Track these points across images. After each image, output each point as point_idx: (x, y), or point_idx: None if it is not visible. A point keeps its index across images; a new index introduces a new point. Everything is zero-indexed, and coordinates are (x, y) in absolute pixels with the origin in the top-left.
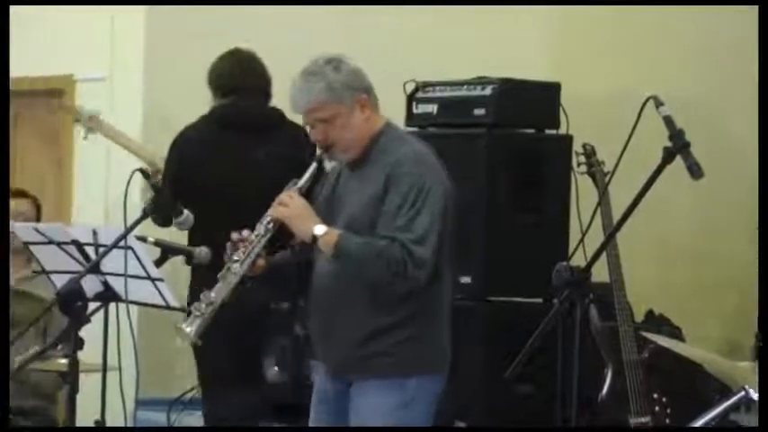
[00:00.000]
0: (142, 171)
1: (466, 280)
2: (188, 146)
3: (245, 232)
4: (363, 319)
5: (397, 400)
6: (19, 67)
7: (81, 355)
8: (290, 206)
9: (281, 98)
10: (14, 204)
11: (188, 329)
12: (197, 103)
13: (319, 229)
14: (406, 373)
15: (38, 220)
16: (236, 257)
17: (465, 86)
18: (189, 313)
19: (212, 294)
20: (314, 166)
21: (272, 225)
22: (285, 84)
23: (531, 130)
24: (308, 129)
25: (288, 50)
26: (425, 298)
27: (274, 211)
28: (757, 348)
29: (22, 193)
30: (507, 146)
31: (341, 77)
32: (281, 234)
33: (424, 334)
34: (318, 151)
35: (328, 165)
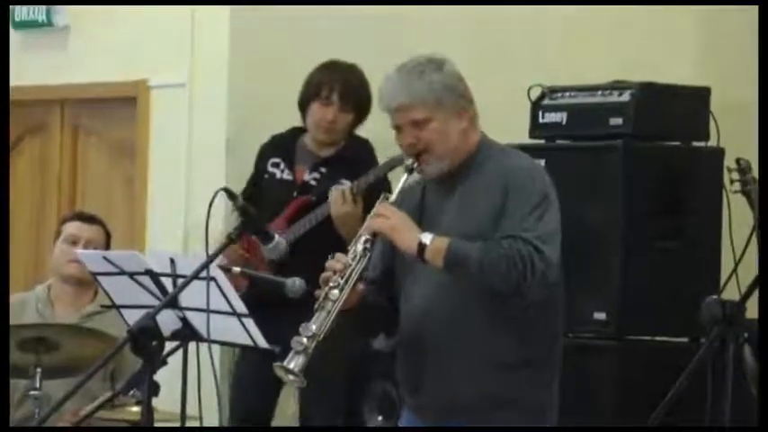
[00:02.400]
0: (227, 191)
1: (600, 316)
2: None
3: (339, 256)
4: (482, 345)
5: None
6: (84, 73)
7: (156, 402)
8: (391, 218)
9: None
10: (77, 229)
11: (291, 366)
12: (289, 112)
13: (426, 237)
14: (531, 422)
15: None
16: (332, 283)
17: (599, 92)
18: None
19: (313, 326)
20: (405, 177)
21: (370, 243)
22: None
23: (677, 143)
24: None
25: (396, 51)
26: (548, 327)
27: (374, 225)
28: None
29: (90, 218)
30: (648, 160)
31: (442, 78)
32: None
33: (552, 377)
34: (408, 160)
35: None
